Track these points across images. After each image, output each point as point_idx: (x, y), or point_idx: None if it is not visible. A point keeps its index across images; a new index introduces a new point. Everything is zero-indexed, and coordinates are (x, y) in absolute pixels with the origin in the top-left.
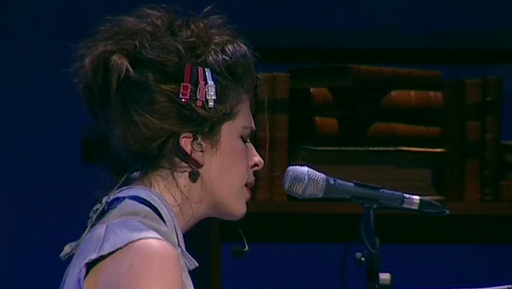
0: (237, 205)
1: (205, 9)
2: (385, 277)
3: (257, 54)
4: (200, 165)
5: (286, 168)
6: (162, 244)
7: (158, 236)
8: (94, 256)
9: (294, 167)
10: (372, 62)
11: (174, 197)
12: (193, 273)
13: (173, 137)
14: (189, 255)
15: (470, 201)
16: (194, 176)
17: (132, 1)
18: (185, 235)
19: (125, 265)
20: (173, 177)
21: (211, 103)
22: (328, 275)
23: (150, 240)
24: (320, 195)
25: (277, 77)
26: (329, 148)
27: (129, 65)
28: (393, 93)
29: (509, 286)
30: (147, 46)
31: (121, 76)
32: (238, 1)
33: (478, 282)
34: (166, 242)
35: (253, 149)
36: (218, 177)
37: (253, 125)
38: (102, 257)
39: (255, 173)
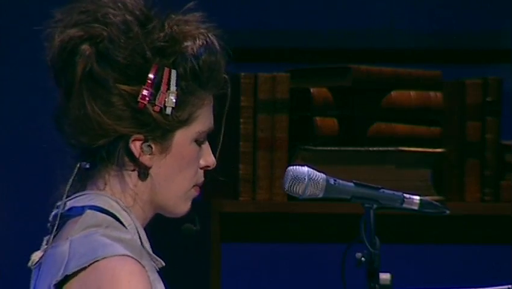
0: (181, 206)
1: (186, 6)
2: (385, 277)
3: (230, 53)
4: (147, 168)
5: (286, 168)
6: (126, 261)
7: (122, 250)
8: (59, 277)
9: (294, 167)
10: (372, 62)
11: (125, 198)
12: (161, 272)
13: (124, 138)
14: (155, 255)
15: (470, 202)
16: (143, 176)
17: None
18: (182, 235)
19: (93, 288)
20: (122, 175)
21: (168, 110)
22: (328, 275)
23: (114, 259)
24: (320, 196)
25: (277, 77)
26: (329, 148)
27: (94, 59)
28: (393, 93)
29: (509, 286)
30: (115, 43)
31: (87, 68)
32: (238, 1)
33: (478, 282)
34: (130, 258)
35: (209, 148)
36: (165, 180)
37: (211, 126)
38: (67, 277)
39: (205, 173)
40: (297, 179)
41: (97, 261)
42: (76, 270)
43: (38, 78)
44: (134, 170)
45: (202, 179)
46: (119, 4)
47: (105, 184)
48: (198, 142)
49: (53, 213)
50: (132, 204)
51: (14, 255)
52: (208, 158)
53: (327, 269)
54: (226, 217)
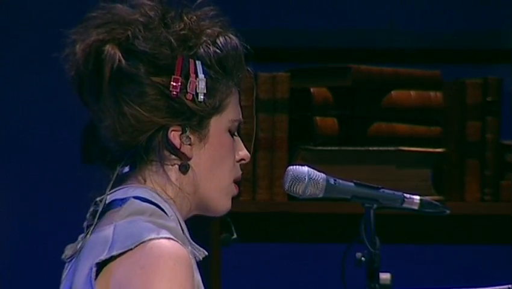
0: (223, 201)
1: (198, 1)
2: (385, 277)
3: (248, 47)
4: (188, 158)
5: (286, 168)
6: (173, 244)
7: (169, 234)
8: (104, 257)
9: (295, 166)
10: (372, 62)
11: (167, 192)
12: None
13: (162, 130)
14: (197, 245)
15: (470, 201)
16: (184, 169)
17: None
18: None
19: (137, 266)
20: (164, 170)
21: (201, 97)
22: (328, 275)
23: (161, 240)
24: (321, 195)
25: (277, 77)
26: (329, 148)
27: (121, 56)
28: (393, 93)
29: (509, 286)
30: (140, 37)
31: (114, 66)
32: (238, 1)
33: (478, 282)
34: (177, 242)
35: (241, 142)
36: (207, 171)
37: (241, 118)
38: (112, 258)
39: (241, 166)
40: (297, 178)
41: (144, 242)
42: (121, 251)
43: (40, 79)
44: (174, 165)
45: (240, 173)
46: (134, 5)
47: (145, 180)
48: (231, 133)
49: (91, 209)
50: (174, 197)
51: (13, 256)
52: (242, 151)
53: (327, 269)
54: (226, 216)
